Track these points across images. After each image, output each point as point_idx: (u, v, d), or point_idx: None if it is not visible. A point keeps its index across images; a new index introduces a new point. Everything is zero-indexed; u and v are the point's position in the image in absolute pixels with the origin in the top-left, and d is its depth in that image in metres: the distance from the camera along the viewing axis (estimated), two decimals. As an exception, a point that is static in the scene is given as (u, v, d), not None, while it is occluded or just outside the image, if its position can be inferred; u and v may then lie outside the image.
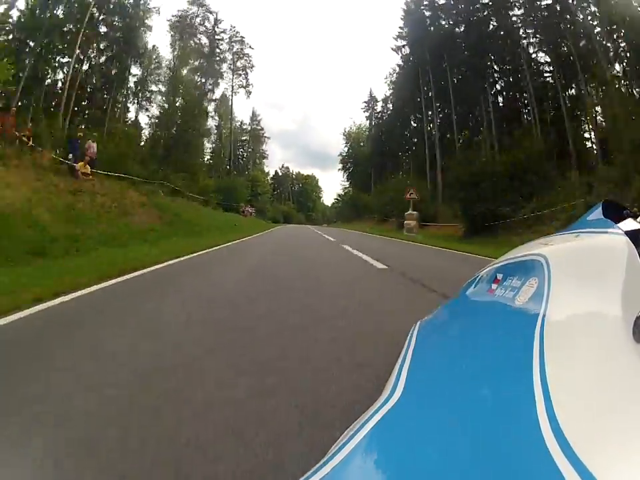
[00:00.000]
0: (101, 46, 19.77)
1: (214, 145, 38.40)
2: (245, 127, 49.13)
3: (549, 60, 18.65)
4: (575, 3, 16.34)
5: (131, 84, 22.64)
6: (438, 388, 0.44)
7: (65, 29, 17.21)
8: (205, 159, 34.00)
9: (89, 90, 19.12)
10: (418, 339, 0.65)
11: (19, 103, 13.97)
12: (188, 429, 1.00)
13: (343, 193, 45.48)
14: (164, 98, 23.68)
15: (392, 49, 28.74)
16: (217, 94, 34.57)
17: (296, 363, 1.49)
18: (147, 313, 2.33)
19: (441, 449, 0.33)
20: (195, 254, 5.75)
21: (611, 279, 0.50)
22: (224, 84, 35.03)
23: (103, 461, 0.87)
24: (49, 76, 17.40)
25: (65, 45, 17.33)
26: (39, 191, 6.39)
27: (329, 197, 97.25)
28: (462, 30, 22.20)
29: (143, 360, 1.50)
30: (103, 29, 20.04)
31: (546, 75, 19.06)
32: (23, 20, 15.77)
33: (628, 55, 14.18)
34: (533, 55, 19.44)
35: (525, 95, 19.81)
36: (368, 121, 37.22)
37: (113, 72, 20.28)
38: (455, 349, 0.57)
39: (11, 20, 15.16)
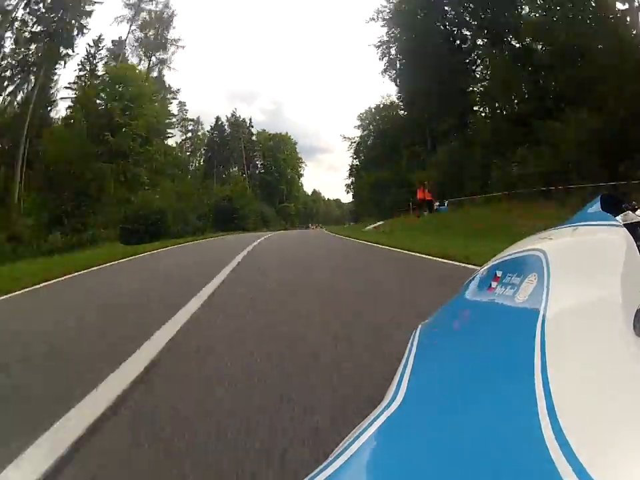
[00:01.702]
0: None
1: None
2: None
3: None
4: None
5: None
6: (440, 392, 0.47)
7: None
8: None
9: None
10: (419, 342, 0.67)
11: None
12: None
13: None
14: None
15: None
16: None
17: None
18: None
19: (443, 452, 0.34)
20: None
21: (610, 272, 0.52)
22: None
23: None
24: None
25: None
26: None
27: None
28: None
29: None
30: None
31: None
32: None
33: None
34: None
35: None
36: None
37: None
38: (457, 352, 0.58)
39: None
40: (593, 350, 0.40)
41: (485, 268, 0.81)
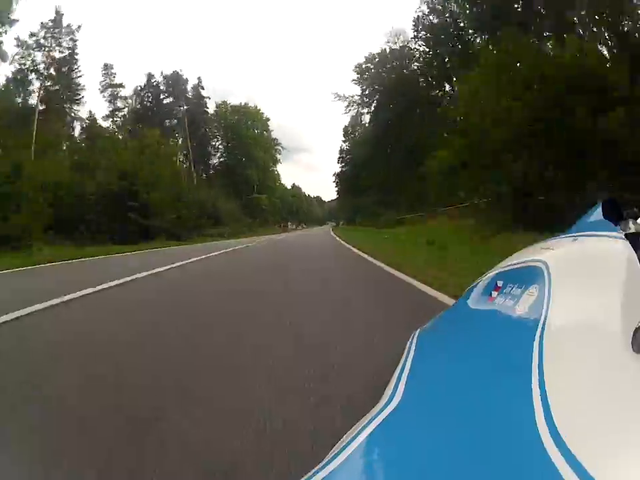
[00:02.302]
0: None
1: None
2: None
3: None
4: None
5: None
6: (436, 396, 0.49)
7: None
8: None
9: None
10: (417, 348, 0.68)
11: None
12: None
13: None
14: None
15: None
16: None
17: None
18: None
19: (439, 455, 0.36)
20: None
21: (611, 286, 0.54)
22: None
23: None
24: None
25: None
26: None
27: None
28: None
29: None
30: None
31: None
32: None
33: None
34: None
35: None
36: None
37: None
38: (454, 359, 0.60)
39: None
40: (591, 365, 0.42)
41: (487, 277, 0.82)
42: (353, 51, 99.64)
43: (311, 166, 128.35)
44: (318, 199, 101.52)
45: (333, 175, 35.96)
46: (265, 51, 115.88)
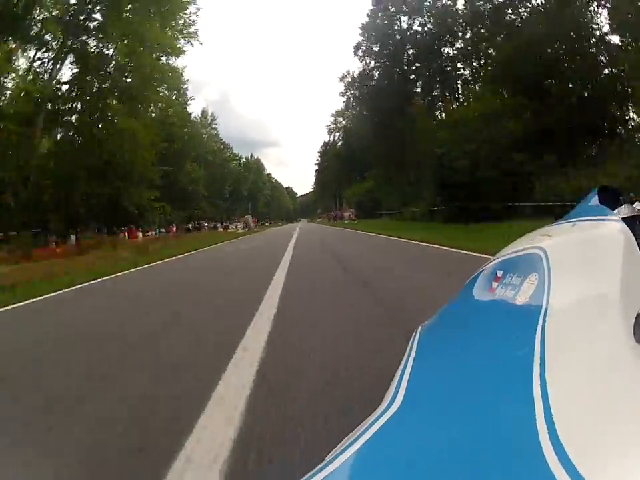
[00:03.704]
0: None
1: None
2: None
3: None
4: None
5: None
6: (438, 396, 0.49)
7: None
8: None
9: None
10: (419, 345, 0.68)
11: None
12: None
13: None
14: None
15: None
16: None
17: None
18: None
19: (442, 457, 0.36)
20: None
21: (610, 271, 0.55)
22: None
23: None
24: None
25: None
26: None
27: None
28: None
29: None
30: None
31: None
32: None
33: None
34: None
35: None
36: None
37: None
38: (456, 355, 0.59)
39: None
40: (593, 357, 0.42)
41: (486, 267, 0.82)
42: (320, 41, 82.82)
43: (282, 161, 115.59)
44: (290, 189, 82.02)
45: (331, 115, 29.62)
46: (239, 43, 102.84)
